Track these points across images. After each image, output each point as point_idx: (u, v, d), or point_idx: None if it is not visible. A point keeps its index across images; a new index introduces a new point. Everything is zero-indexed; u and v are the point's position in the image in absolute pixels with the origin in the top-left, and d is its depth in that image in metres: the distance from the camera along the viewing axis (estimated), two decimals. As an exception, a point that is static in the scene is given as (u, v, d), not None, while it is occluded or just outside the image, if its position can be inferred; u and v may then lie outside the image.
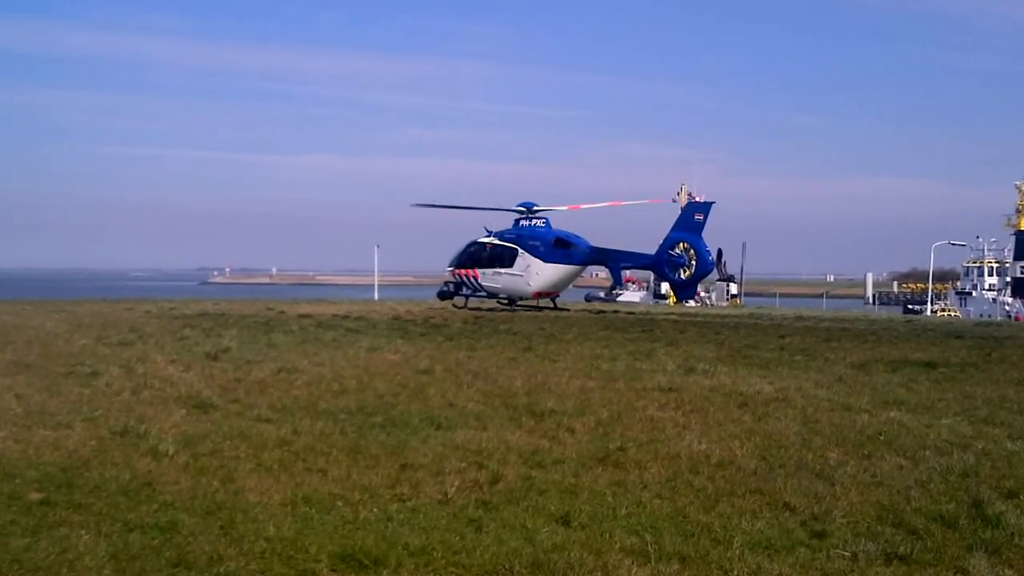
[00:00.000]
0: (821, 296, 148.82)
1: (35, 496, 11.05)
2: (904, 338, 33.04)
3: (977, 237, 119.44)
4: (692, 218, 45.63)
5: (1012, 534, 10.14)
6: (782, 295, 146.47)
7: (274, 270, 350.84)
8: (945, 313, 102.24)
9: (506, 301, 50.53)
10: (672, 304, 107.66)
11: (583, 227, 49.90)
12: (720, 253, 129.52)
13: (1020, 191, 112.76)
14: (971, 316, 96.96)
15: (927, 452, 13.94)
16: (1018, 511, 10.90)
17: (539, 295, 49.55)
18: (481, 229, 50.73)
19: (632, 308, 68.38)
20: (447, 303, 51.14)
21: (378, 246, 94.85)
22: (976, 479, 12.42)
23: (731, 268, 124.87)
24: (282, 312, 41.63)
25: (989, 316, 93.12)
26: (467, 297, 50.83)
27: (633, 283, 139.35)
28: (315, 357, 23.98)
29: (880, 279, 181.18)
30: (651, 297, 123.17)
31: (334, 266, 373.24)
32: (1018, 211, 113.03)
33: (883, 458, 13.60)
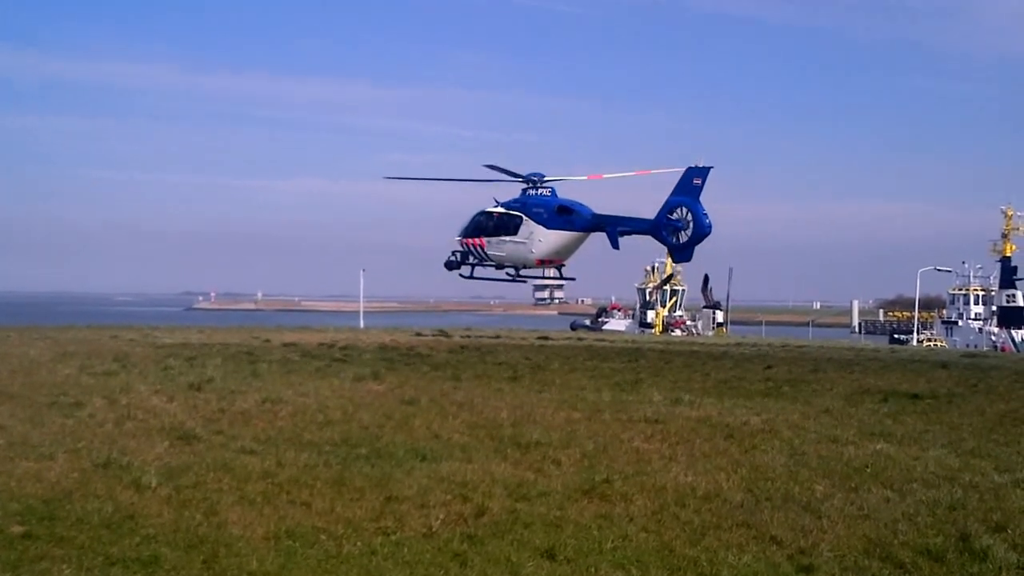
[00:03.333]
0: (807, 325, 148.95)
1: (17, 529, 10.93)
2: (890, 368, 33.08)
3: (963, 263, 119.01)
4: (691, 182, 45.83)
5: (1000, 568, 10.13)
6: (768, 323, 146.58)
7: (259, 295, 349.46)
8: (931, 343, 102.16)
9: (512, 272, 51.10)
10: (658, 333, 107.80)
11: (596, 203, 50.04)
12: (706, 279, 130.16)
13: (1006, 216, 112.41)
14: (957, 346, 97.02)
15: (914, 485, 13.93)
16: (1006, 545, 10.88)
17: (542, 263, 50.11)
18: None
19: (618, 337, 68.34)
20: (454, 273, 51.53)
21: (364, 270, 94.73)
22: (963, 512, 12.40)
23: (717, 294, 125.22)
24: (267, 340, 41.45)
25: (975, 346, 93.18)
26: (473, 266, 51.42)
27: (619, 311, 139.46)
28: (300, 387, 23.86)
29: (866, 306, 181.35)
30: (637, 326, 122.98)
31: (320, 290, 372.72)
32: (1004, 236, 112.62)
33: (870, 491, 13.58)
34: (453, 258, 51.95)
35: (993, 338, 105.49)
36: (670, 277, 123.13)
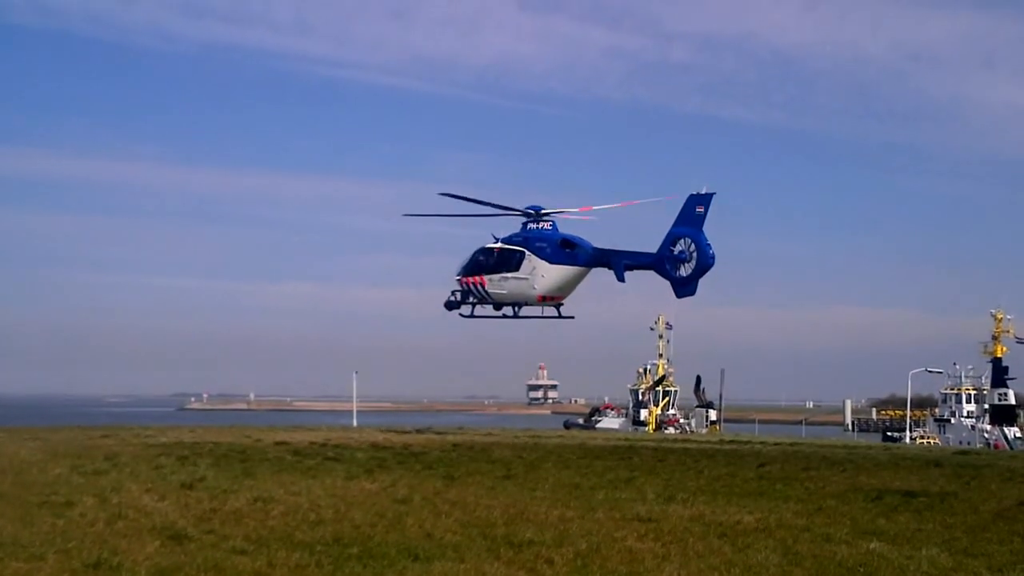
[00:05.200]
0: (800, 423, 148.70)
1: (5, 631, 10.87)
2: (883, 466, 33.02)
3: (954, 364, 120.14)
4: (694, 211, 44.70)
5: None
6: (761, 421, 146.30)
7: (252, 396, 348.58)
8: (924, 441, 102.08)
9: (512, 310, 50.56)
10: (651, 431, 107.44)
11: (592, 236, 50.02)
12: (699, 380, 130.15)
13: (996, 319, 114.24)
14: (950, 443, 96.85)
15: (907, 584, 13.87)
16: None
17: (544, 299, 49.50)
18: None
19: (611, 435, 68.16)
20: (454, 312, 51.27)
21: (357, 372, 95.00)
22: (956, 611, 12.35)
23: (710, 395, 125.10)
24: (259, 440, 41.32)
25: (968, 444, 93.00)
26: (473, 305, 50.83)
27: (612, 410, 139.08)
28: (292, 486, 23.77)
29: (859, 406, 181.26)
30: (630, 424, 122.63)
31: (313, 390, 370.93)
32: (994, 339, 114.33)
33: (864, 590, 13.53)
34: (453, 298, 51.64)
35: (986, 435, 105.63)
36: (663, 378, 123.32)
